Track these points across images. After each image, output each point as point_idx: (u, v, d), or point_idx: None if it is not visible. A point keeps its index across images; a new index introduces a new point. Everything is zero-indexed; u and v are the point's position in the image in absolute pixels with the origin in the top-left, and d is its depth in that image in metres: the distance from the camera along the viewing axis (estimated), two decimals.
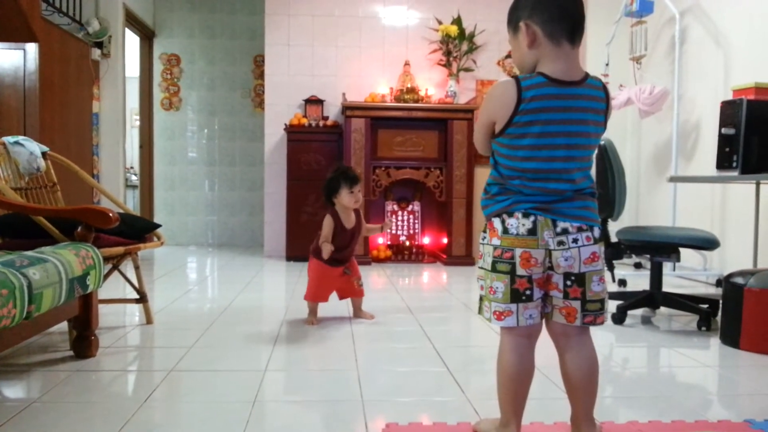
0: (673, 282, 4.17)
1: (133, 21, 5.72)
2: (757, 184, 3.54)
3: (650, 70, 4.80)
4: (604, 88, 1.41)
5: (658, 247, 2.90)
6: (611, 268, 3.01)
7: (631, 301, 3.00)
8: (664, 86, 4.33)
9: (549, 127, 1.34)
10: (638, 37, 4.60)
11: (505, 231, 1.39)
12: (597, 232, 1.39)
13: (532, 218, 1.36)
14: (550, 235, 1.36)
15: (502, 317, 1.40)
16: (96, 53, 5.03)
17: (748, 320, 2.45)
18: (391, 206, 5.31)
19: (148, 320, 2.81)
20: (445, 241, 5.08)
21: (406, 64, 5.28)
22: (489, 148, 1.46)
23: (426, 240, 5.30)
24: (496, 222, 1.42)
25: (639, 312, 3.18)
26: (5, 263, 1.70)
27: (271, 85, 5.42)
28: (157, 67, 6.43)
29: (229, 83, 6.48)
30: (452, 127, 4.92)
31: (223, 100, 6.50)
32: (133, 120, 7.21)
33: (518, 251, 1.37)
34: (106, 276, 2.45)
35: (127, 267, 3.88)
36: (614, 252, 2.96)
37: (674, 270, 4.34)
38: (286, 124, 5.17)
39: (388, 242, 5.23)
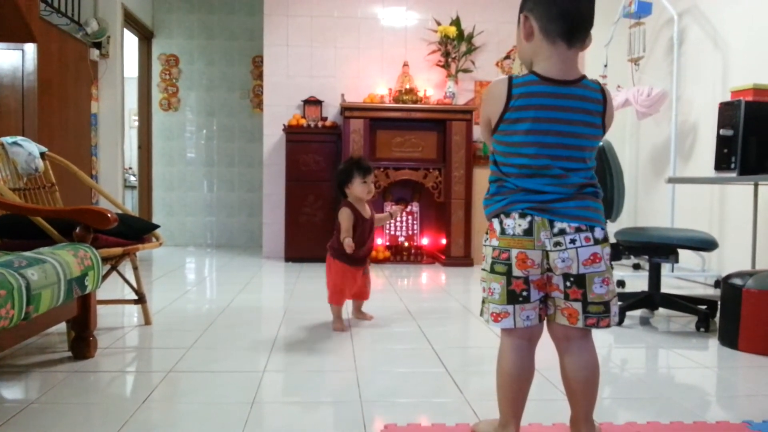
0: (671, 283, 4.18)
1: (131, 21, 5.72)
2: (756, 185, 3.54)
3: (648, 71, 4.81)
4: (603, 91, 1.39)
5: (657, 248, 2.90)
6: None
7: (629, 302, 3.00)
8: (662, 88, 4.33)
9: (538, 124, 1.34)
10: (636, 38, 4.60)
11: (503, 232, 1.39)
12: (599, 232, 1.37)
13: (528, 218, 1.36)
14: (547, 236, 1.35)
15: (499, 319, 1.40)
16: (94, 54, 5.03)
17: (747, 321, 2.45)
18: (389, 207, 5.31)
19: (147, 321, 2.81)
20: (443, 242, 5.08)
21: (405, 65, 5.28)
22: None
23: (425, 241, 5.30)
24: (495, 223, 1.41)
25: (637, 313, 3.19)
26: (3, 264, 1.70)
27: (270, 85, 5.42)
28: (156, 68, 6.43)
29: (228, 84, 6.48)
30: (451, 128, 4.93)
31: (222, 100, 6.50)
32: (132, 120, 7.21)
33: (514, 252, 1.36)
34: (105, 277, 2.44)
35: (126, 268, 3.88)
36: (613, 253, 2.95)
37: (673, 271, 4.34)
38: (284, 125, 5.17)
39: (387, 243, 5.23)
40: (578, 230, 1.35)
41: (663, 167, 4.70)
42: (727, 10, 4.05)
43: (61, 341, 2.47)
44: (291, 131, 5.10)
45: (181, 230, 6.52)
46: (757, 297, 2.43)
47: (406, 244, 5.22)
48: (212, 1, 6.43)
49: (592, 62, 4.96)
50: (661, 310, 3.19)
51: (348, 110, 4.87)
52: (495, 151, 1.43)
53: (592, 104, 1.37)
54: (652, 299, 3.04)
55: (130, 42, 6.07)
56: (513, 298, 1.38)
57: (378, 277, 4.36)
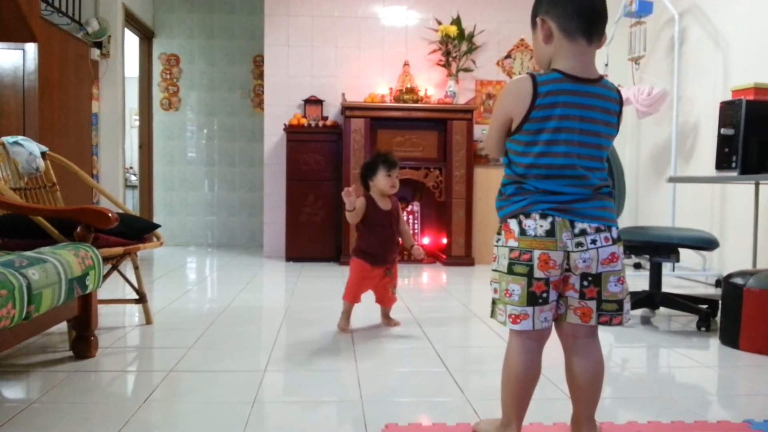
0: (672, 282, 4.18)
1: (132, 21, 5.72)
2: (757, 185, 3.54)
3: (649, 70, 4.81)
4: (618, 92, 1.41)
5: (658, 248, 2.90)
6: None
7: (630, 301, 2.99)
8: (663, 87, 4.33)
9: (565, 122, 1.33)
10: (637, 37, 4.60)
11: (523, 232, 1.36)
12: (615, 232, 1.38)
13: (549, 219, 1.34)
14: (569, 237, 1.34)
15: (518, 321, 1.37)
16: (95, 53, 5.03)
17: (748, 321, 2.45)
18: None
19: (148, 321, 2.81)
20: (444, 241, 5.08)
21: (406, 64, 5.28)
22: (502, 148, 1.44)
23: (425, 240, 5.30)
24: (513, 223, 1.38)
25: (638, 312, 3.19)
26: (4, 263, 1.70)
27: (271, 85, 5.42)
28: (157, 68, 6.43)
29: (229, 83, 6.48)
30: (452, 127, 4.92)
31: (223, 100, 6.50)
32: (133, 120, 7.21)
33: (537, 253, 1.34)
34: (106, 276, 2.44)
35: (127, 267, 3.88)
36: None
37: (674, 270, 4.34)
38: (285, 125, 5.17)
39: None
40: (598, 230, 1.36)
41: (664, 166, 4.70)
42: (727, 9, 4.05)
43: (62, 341, 2.47)
44: (292, 131, 5.10)
45: (182, 230, 6.52)
46: (758, 296, 2.43)
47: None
48: (213, 0, 6.43)
49: None
50: (662, 309, 3.19)
51: (349, 110, 4.87)
52: (513, 152, 1.40)
53: (611, 104, 1.39)
54: (653, 298, 3.04)
55: (131, 41, 6.06)
56: (533, 299, 1.36)
57: None
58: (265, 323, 2.93)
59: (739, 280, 2.51)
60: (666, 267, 4.21)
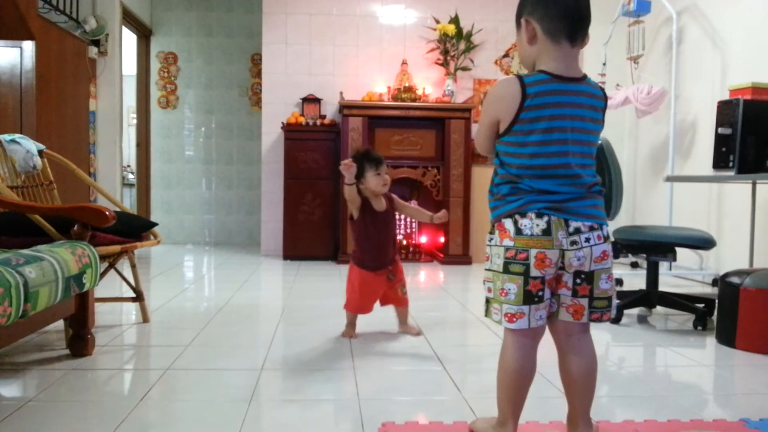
0: (669, 281, 4.18)
1: (130, 19, 5.71)
2: (754, 184, 3.55)
3: (647, 69, 4.81)
4: (602, 89, 1.44)
5: (655, 247, 2.90)
6: None
7: (627, 300, 3.00)
8: (662, 86, 4.33)
9: (555, 122, 1.34)
10: (635, 36, 4.60)
11: (519, 232, 1.37)
12: (605, 230, 1.40)
13: (545, 218, 1.35)
14: (564, 235, 1.35)
15: (514, 319, 1.38)
16: (93, 51, 5.02)
17: (744, 320, 2.46)
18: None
19: (145, 319, 2.81)
20: (442, 240, 5.08)
21: (404, 63, 5.28)
22: (492, 148, 1.46)
23: (423, 239, 5.30)
24: (508, 223, 1.39)
25: (635, 311, 3.19)
26: (1, 261, 1.70)
27: (269, 83, 5.41)
28: (154, 66, 6.42)
29: (227, 82, 6.47)
30: (450, 126, 4.92)
31: (220, 98, 6.49)
32: (130, 118, 7.20)
33: (533, 252, 1.35)
34: (103, 274, 2.44)
35: (124, 265, 3.87)
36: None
37: (670, 269, 4.35)
38: (283, 123, 5.17)
39: None
40: (591, 229, 1.37)
41: (661, 166, 4.70)
42: (725, 8, 4.05)
43: (59, 339, 2.47)
44: (290, 129, 5.10)
45: (180, 228, 6.51)
46: (755, 295, 2.43)
47: (405, 242, 5.22)
48: None
49: (591, 61, 4.96)
50: (658, 308, 3.19)
51: (347, 108, 4.87)
52: (504, 153, 1.41)
53: (597, 101, 1.41)
54: (650, 297, 3.04)
55: (129, 40, 6.06)
56: (529, 298, 1.37)
57: None
58: (263, 322, 2.93)
59: (735, 280, 2.52)
60: (663, 266, 4.22)
